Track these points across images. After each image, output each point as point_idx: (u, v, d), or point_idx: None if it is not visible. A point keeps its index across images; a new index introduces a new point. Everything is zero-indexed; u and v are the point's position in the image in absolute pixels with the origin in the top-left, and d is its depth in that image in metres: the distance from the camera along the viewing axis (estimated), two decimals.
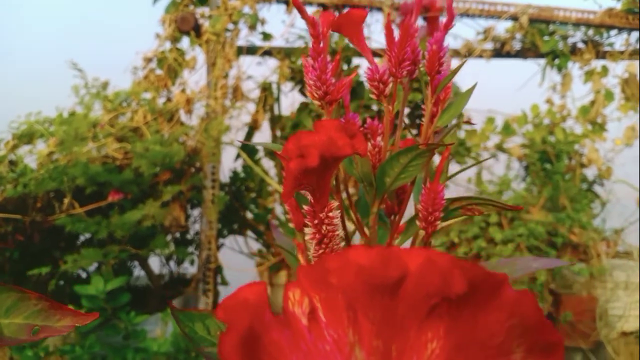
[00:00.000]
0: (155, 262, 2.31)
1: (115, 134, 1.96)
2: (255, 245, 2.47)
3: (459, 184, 2.41)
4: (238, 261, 2.45)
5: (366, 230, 0.43)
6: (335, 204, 0.33)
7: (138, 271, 2.27)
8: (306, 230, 0.34)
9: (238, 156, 2.38)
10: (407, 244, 0.44)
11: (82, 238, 2.03)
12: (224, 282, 2.42)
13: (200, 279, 2.20)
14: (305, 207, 0.33)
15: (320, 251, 0.34)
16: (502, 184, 2.28)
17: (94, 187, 1.82)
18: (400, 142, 0.51)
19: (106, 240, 1.84)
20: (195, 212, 2.34)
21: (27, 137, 2.01)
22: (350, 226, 0.44)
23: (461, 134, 2.40)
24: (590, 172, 2.37)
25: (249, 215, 2.40)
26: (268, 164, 2.49)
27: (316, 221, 0.33)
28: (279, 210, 2.40)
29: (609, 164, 2.29)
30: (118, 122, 2.03)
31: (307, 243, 0.35)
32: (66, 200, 1.85)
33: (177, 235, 2.31)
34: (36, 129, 2.00)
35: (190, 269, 2.42)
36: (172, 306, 0.43)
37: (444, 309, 0.16)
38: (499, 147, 2.39)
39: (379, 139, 0.44)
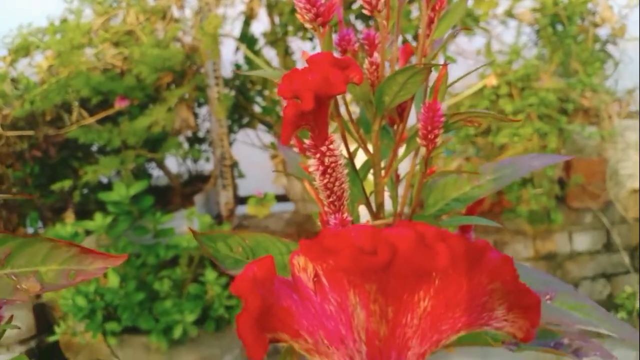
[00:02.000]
0: (172, 162, 2.37)
1: (110, 38, 1.91)
2: (267, 137, 2.50)
3: (468, 56, 2.34)
4: (252, 154, 2.49)
5: (369, 146, 0.45)
6: (335, 135, 0.34)
7: (158, 172, 2.34)
8: (310, 162, 0.35)
9: (238, 49, 2.32)
10: (410, 157, 0.45)
11: (97, 147, 2.07)
12: (241, 175, 2.49)
13: (218, 175, 2.27)
14: (306, 142, 0.34)
15: (325, 180, 0.36)
16: (512, 53, 2.22)
17: (99, 96, 1.82)
18: (400, 49, 0.50)
19: (121, 147, 1.88)
20: (204, 111, 2.34)
21: (23, 50, 1.97)
22: (354, 144, 0.45)
23: (469, 2, 2.28)
24: (603, 32, 2.28)
25: (257, 108, 2.39)
26: (270, 53, 2.42)
27: (318, 154, 0.34)
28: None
29: (623, 22, 2.19)
30: (111, 25, 1.97)
31: (312, 173, 0.36)
32: (74, 112, 1.86)
33: (190, 134, 2.34)
34: (31, 41, 1.96)
35: (207, 165, 2.48)
36: (194, 231, 0.46)
37: (432, 275, 0.17)
38: (509, 14, 2.28)
39: (376, 54, 0.43)
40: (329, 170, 0.35)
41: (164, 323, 1.61)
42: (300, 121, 0.31)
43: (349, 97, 0.49)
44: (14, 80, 1.80)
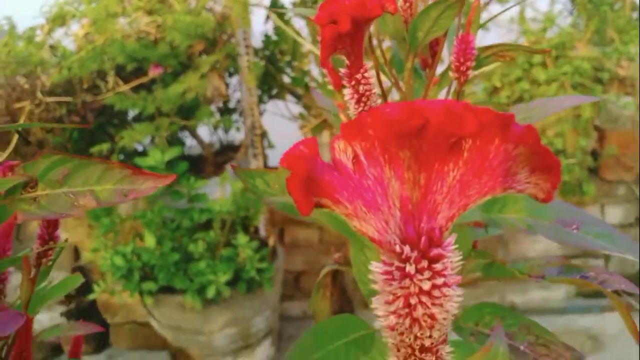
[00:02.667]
0: (204, 132, 2.42)
1: (143, 7, 1.94)
2: (296, 108, 2.51)
3: (500, 25, 2.30)
4: (282, 125, 2.52)
5: (402, 85, 0.46)
6: (369, 64, 0.36)
7: (191, 141, 2.40)
8: (345, 91, 0.37)
9: (268, 18, 2.33)
10: (442, 94, 0.46)
11: (131, 114, 2.12)
12: (271, 146, 2.53)
13: (249, 144, 2.30)
14: (342, 70, 0.36)
15: (360, 109, 0.38)
16: (546, 20, 2.17)
17: (134, 63, 1.86)
18: None
19: (155, 115, 1.93)
20: (234, 81, 2.37)
21: (60, 19, 2.03)
22: (387, 82, 0.46)
23: None
24: None
25: (286, 79, 2.41)
26: (299, 23, 2.42)
27: (353, 82, 0.36)
28: (314, 72, 2.39)
29: None
30: None
31: (346, 102, 0.38)
32: (110, 79, 1.91)
33: (221, 104, 2.38)
34: (67, 11, 2.01)
35: (237, 135, 2.52)
36: (234, 166, 0.49)
37: (462, 145, 0.19)
38: None
39: None
40: (364, 99, 0.37)
41: (198, 283, 1.67)
42: (337, 44, 0.33)
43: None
44: (52, 47, 1.85)
